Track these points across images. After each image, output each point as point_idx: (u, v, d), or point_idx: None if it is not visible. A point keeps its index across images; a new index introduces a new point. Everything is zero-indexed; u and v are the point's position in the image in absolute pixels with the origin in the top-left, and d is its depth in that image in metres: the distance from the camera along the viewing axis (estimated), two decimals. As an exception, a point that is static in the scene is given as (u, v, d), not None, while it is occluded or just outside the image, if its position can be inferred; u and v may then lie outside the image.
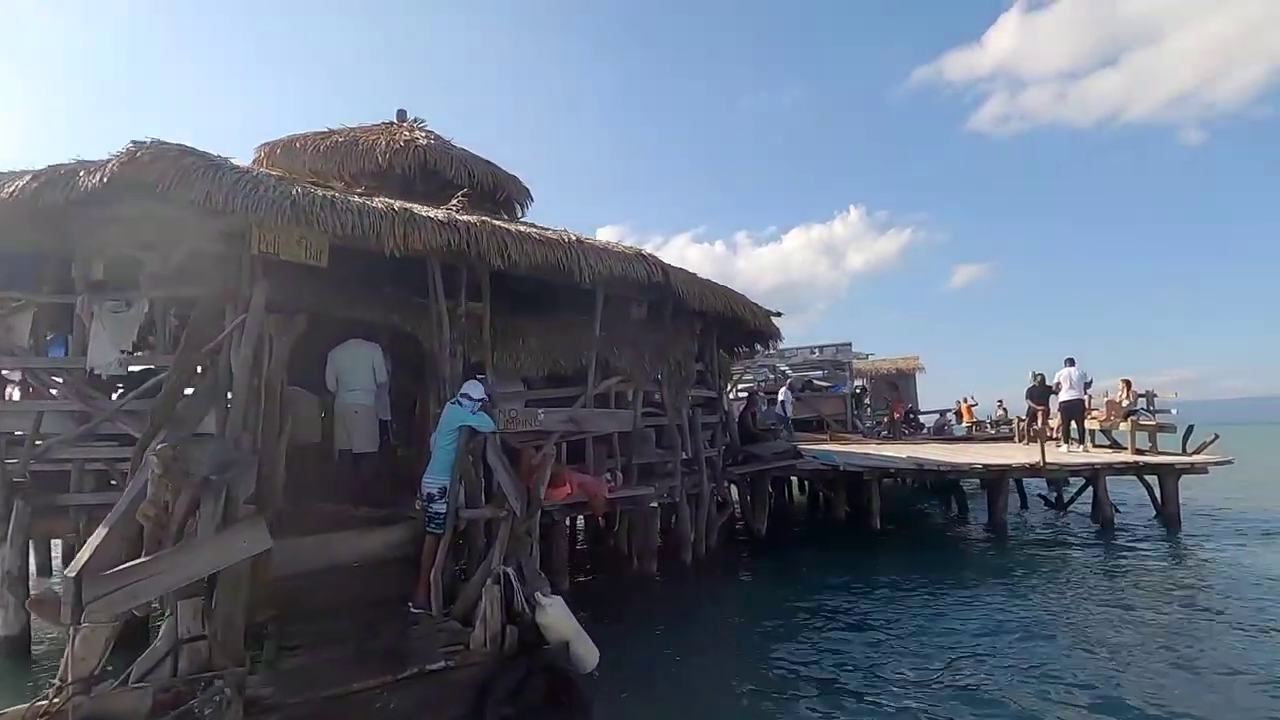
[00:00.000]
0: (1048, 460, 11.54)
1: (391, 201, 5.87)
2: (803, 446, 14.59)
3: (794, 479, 15.20)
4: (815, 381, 16.64)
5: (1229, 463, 12.66)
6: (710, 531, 9.65)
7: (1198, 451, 13.28)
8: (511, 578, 4.83)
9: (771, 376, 19.28)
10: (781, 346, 19.17)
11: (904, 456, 12.47)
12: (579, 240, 6.79)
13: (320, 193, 5.44)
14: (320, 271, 5.88)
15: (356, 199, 5.68)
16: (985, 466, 11.43)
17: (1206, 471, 12.54)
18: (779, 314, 10.25)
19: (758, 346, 12.36)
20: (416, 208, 5.95)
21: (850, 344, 18.31)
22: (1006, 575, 9.15)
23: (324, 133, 9.26)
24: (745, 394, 12.98)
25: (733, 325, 10.78)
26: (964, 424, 23.35)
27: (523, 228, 6.65)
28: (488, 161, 9.75)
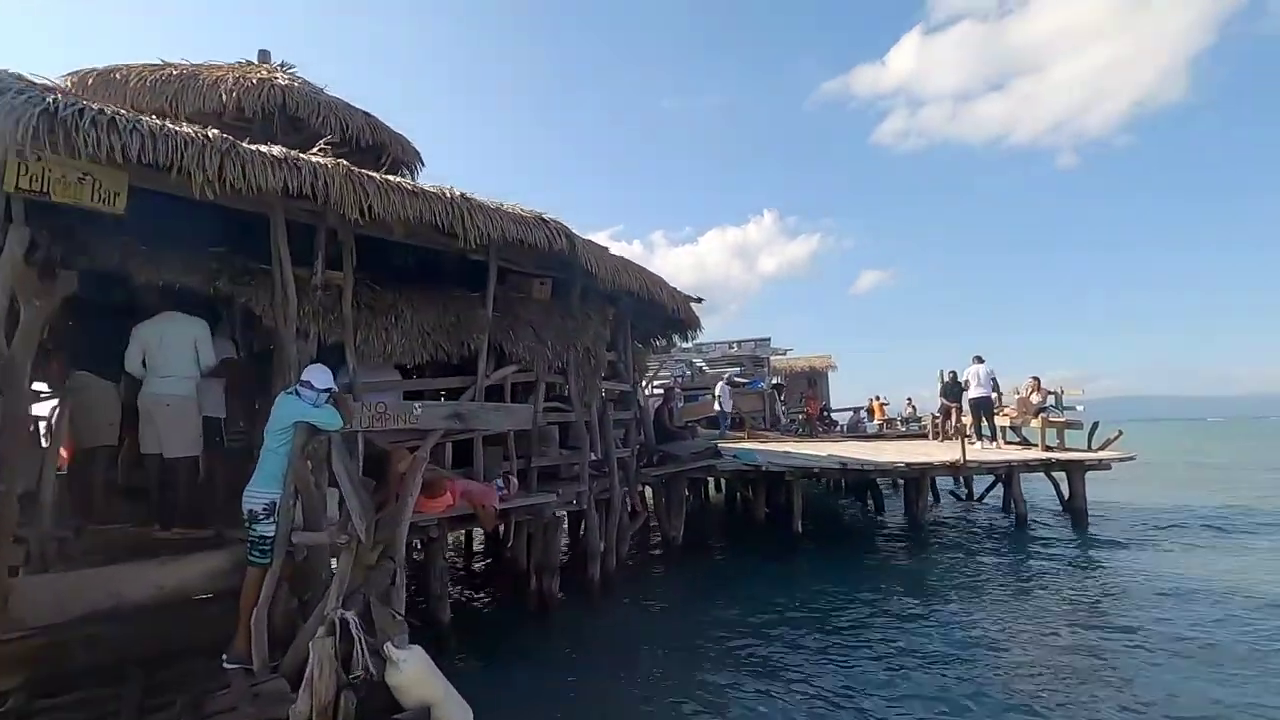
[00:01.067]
0: (967, 458, 11.25)
1: (206, 129, 4.46)
2: (722, 445, 13.86)
3: (710, 479, 14.46)
4: (734, 378, 15.97)
5: (1133, 459, 12.89)
6: (622, 541, 8.63)
7: (1103, 448, 13.51)
8: (351, 626, 3.60)
9: (688, 372, 18.54)
10: (699, 341, 18.54)
11: (825, 455, 11.91)
12: (464, 196, 5.57)
13: (95, 106, 3.99)
14: (124, 224, 4.44)
15: (154, 119, 4.25)
16: (908, 465, 11.01)
17: (1109, 468, 12.71)
18: (699, 300, 9.36)
19: (676, 338, 11.45)
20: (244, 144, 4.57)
21: (769, 339, 17.86)
22: (930, 587, 8.64)
23: (156, 65, 7.56)
24: (661, 389, 12.07)
25: (649, 312, 9.78)
26: (876, 421, 23.56)
27: (395, 179, 5.37)
28: (369, 114, 8.31)
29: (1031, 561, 10.01)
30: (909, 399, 24.64)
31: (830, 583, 8.83)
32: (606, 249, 7.35)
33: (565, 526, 9.26)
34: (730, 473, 10.63)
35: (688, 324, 10.05)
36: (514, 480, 6.51)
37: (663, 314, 9.61)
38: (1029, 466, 12.21)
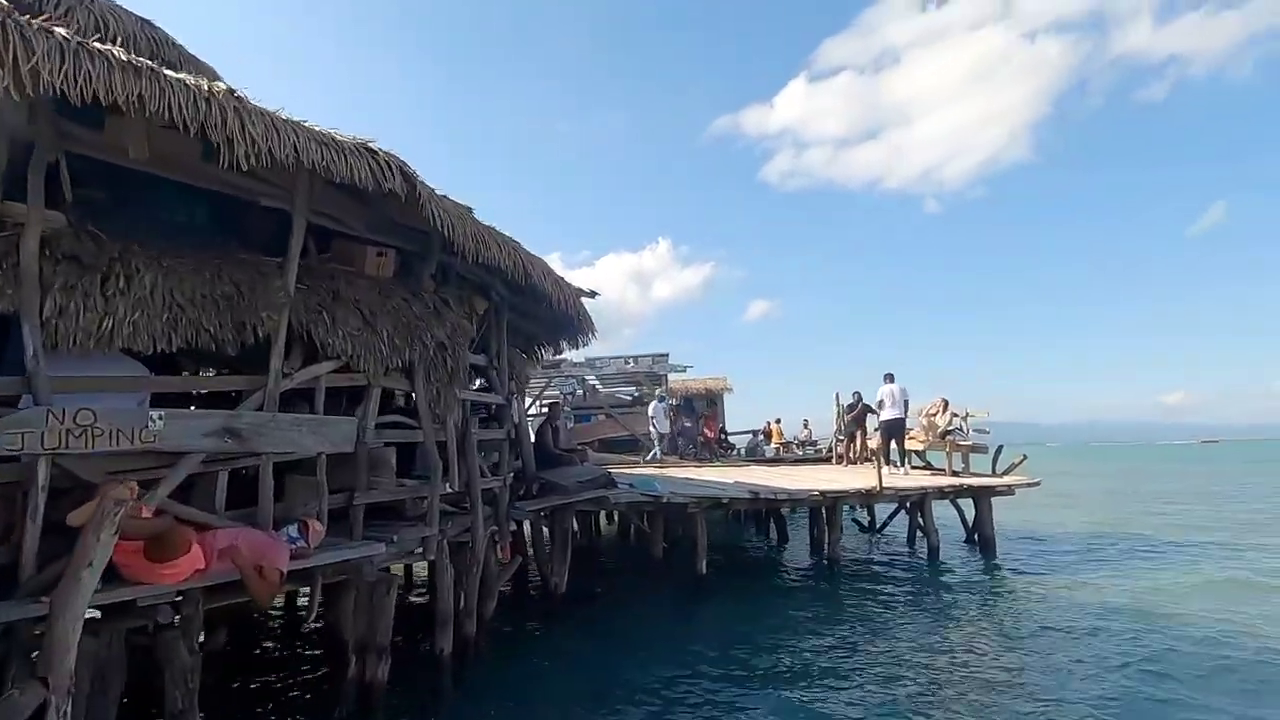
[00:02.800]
0: (884, 485, 10.23)
1: None
2: (615, 471, 12.19)
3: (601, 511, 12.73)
4: (618, 395, 14.42)
5: (1038, 484, 12.47)
6: (487, 598, 6.71)
7: (1007, 473, 13.06)
8: None
9: (579, 389, 16.80)
10: (592, 355, 16.89)
11: (732, 483, 10.53)
12: (233, 94, 3.63)
13: None
14: None
15: None
16: (822, 493, 9.80)
17: (1013, 493, 12.21)
18: (593, 294, 7.69)
19: (565, 346, 9.72)
20: None
21: (667, 355, 16.50)
22: (852, 629, 7.37)
23: None
24: (547, 406, 10.21)
25: (532, 310, 8.04)
26: (773, 444, 22.80)
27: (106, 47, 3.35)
28: (148, 21, 6.08)
29: (953, 595, 9.04)
30: (805, 421, 24.14)
31: (745, 629, 7.41)
32: (470, 211, 5.54)
33: (411, 580, 7.16)
34: (626, 505, 8.98)
35: (580, 327, 8.36)
36: (317, 525, 4.49)
37: (549, 313, 7.87)
38: (943, 493, 11.42)
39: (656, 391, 16.11)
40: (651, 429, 15.25)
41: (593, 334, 8.63)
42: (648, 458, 15.11)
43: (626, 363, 16.22)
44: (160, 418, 3.84)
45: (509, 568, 7.25)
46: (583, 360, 16.51)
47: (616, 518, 14.05)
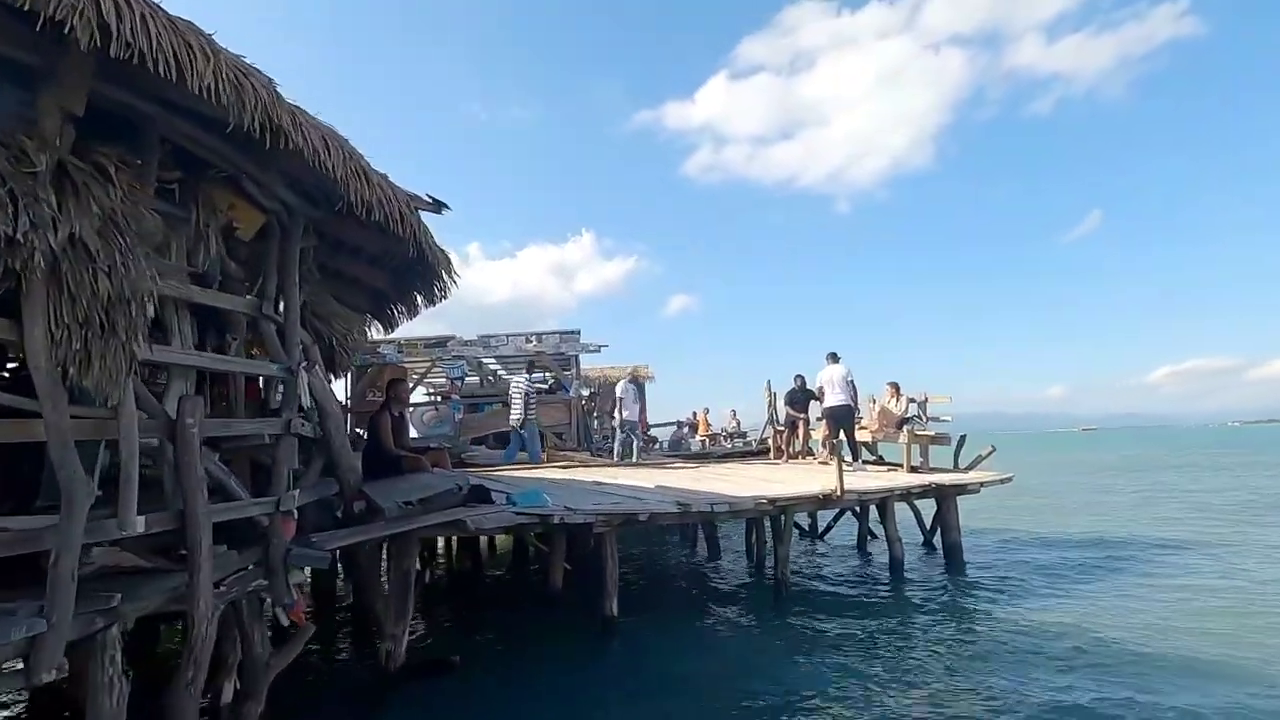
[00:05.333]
0: (845, 487, 7.99)
1: None
2: (503, 474, 9.45)
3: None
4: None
5: (1010, 480, 10.65)
6: (248, 699, 3.94)
7: (972, 467, 11.23)
8: None
9: (468, 373, 13.88)
10: (486, 333, 14.01)
11: (652, 488, 8.03)
12: None
13: None
14: None
15: None
16: (771, 501, 7.46)
17: (978, 491, 10.35)
18: (439, 204, 4.92)
19: (420, 304, 6.93)
20: None
21: (578, 332, 13.81)
22: (813, 702, 5.03)
23: None
24: (388, 383, 7.25)
25: (357, 236, 5.26)
26: (700, 436, 20.64)
27: None
28: None
29: (930, 624, 6.92)
30: (733, 411, 22.13)
31: (674, 699, 4.95)
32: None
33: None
34: (496, 529, 6.22)
35: (429, 266, 5.58)
36: None
37: (384, 246, 5.12)
38: (910, 494, 9.36)
39: (627, 370, 13.14)
40: (617, 415, 12.46)
41: (451, 278, 5.89)
42: (621, 453, 12.43)
43: (527, 341, 13.45)
44: None
45: (293, 643, 4.44)
46: (475, 339, 13.63)
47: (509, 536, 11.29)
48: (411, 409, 13.38)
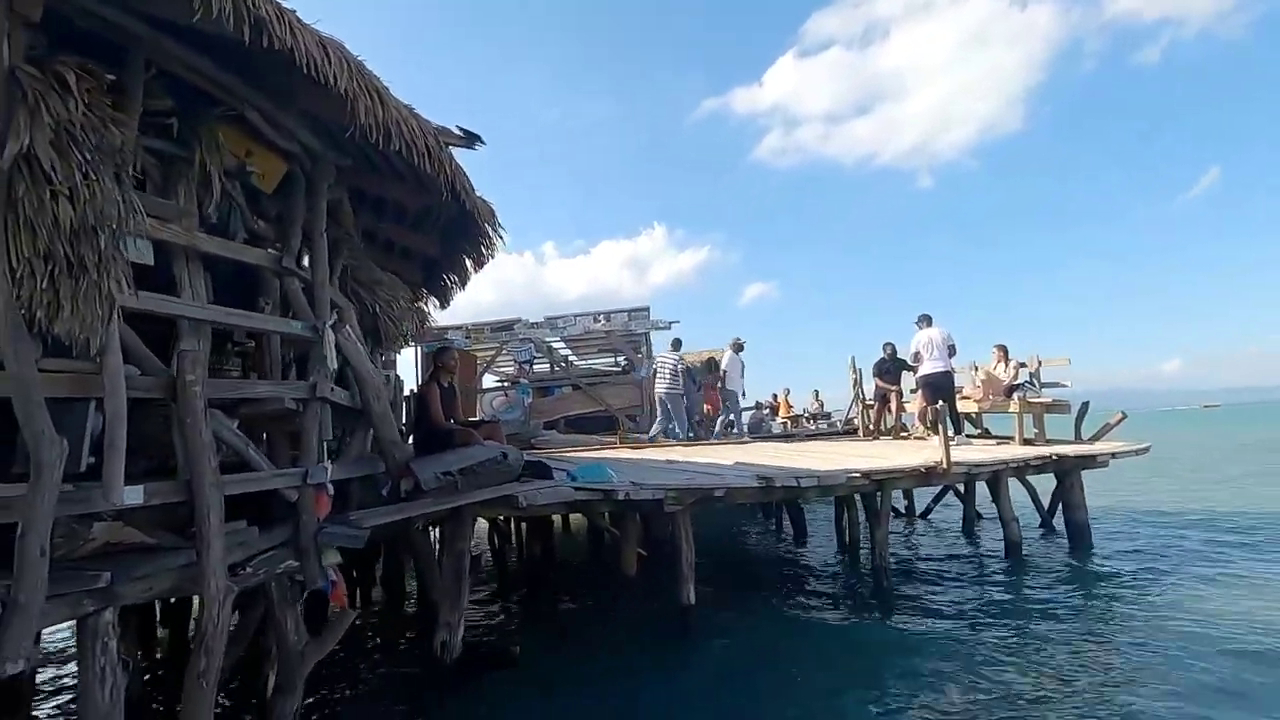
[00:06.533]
0: (951, 459, 7.00)
1: None
2: (571, 455, 8.95)
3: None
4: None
5: (1146, 450, 9.27)
6: (285, 691, 3.55)
7: (1098, 437, 9.87)
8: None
9: (536, 354, 13.50)
10: (552, 315, 13.59)
11: (731, 465, 7.30)
12: None
13: None
14: None
15: None
16: (865, 474, 6.58)
17: (1107, 464, 9.02)
18: (476, 137, 4.36)
19: (468, 265, 6.46)
20: None
21: (648, 309, 13.19)
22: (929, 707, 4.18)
23: None
24: (437, 351, 6.78)
25: (395, 191, 4.81)
26: (781, 419, 19.68)
27: None
28: None
29: (1059, 619, 5.85)
30: (816, 392, 21.00)
31: (751, 702, 4.26)
32: None
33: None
34: (551, 507, 5.62)
35: (472, 215, 5.05)
36: None
37: (415, 190, 4.63)
38: (1027, 467, 8.21)
39: (731, 341, 12.24)
40: (728, 387, 11.91)
41: (496, 232, 5.36)
42: (720, 431, 11.82)
43: (595, 320, 12.94)
44: None
45: (331, 631, 4.02)
46: (541, 321, 13.25)
47: (584, 520, 10.80)
48: (481, 394, 13.23)
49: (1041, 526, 10.14)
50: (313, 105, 3.80)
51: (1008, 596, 6.86)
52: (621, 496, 5.22)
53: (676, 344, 11.60)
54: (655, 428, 11.27)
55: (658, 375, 11.25)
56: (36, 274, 2.49)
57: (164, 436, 3.35)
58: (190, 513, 3.15)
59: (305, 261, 4.31)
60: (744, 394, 12.61)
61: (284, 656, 3.78)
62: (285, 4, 2.89)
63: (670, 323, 13.11)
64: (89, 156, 2.55)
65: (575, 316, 13.13)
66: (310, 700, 4.01)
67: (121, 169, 2.72)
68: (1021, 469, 8.21)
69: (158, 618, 6.13)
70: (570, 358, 16.11)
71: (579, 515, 9.99)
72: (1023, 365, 10.24)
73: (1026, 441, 9.57)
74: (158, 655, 5.91)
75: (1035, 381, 10.10)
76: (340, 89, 3.18)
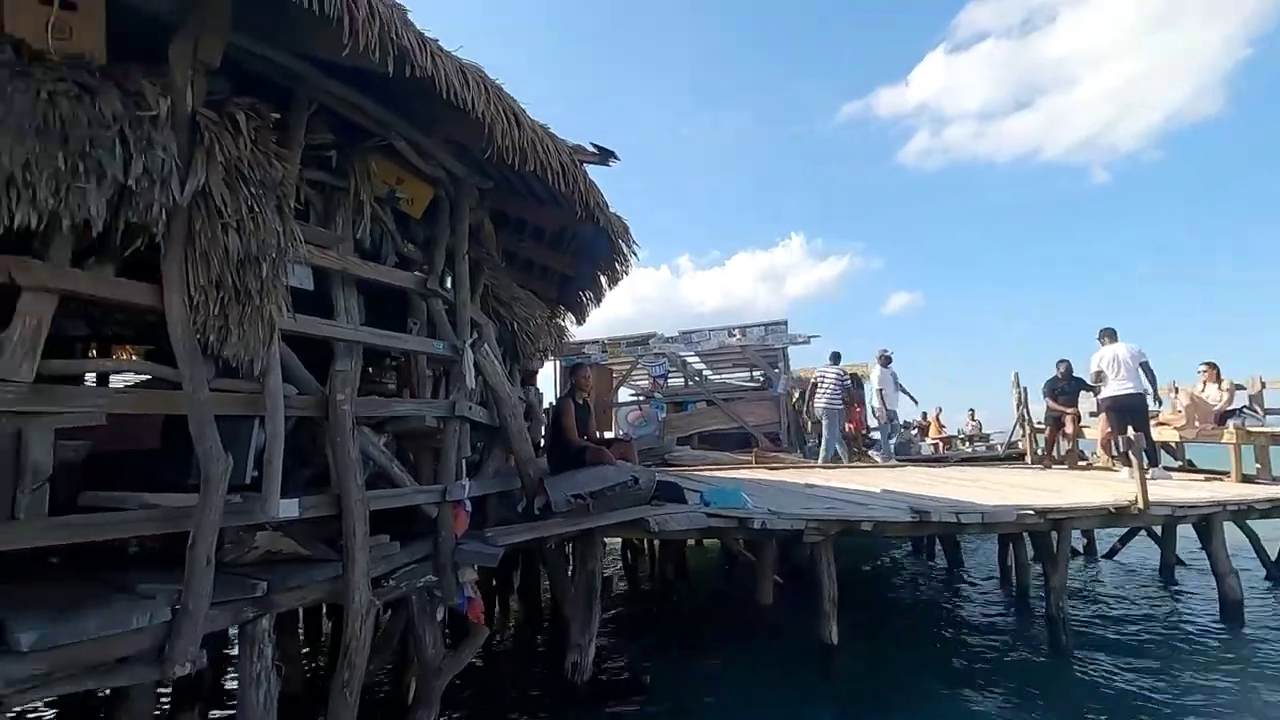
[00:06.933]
0: (1148, 498, 5.98)
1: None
2: (704, 473, 8.73)
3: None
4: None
5: None
6: (422, 705, 3.63)
7: (1347, 476, 8.10)
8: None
9: (670, 368, 13.42)
10: (687, 329, 13.47)
11: (879, 492, 6.74)
12: None
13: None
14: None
15: None
16: (1040, 513, 5.77)
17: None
18: (610, 154, 4.31)
19: (603, 282, 6.46)
20: None
21: (785, 323, 12.72)
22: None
23: None
24: (572, 368, 6.84)
25: (528, 208, 4.90)
26: (931, 440, 18.24)
27: None
28: None
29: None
30: (971, 411, 19.27)
31: None
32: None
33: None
34: (683, 532, 5.42)
35: (606, 232, 5.02)
36: None
37: (552, 209, 4.68)
38: (1250, 509, 6.88)
39: (878, 354, 11.27)
40: (877, 404, 11.14)
41: (630, 248, 5.29)
42: (888, 452, 11.30)
43: (731, 334, 12.66)
44: None
45: (466, 646, 4.07)
46: (676, 335, 13.17)
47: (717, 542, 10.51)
48: (616, 407, 13.37)
49: (1269, 580, 8.49)
50: (454, 131, 3.92)
51: (1230, 673, 5.70)
52: (758, 525, 4.91)
53: (836, 357, 10.97)
54: (825, 450, 10.73)
55: (818, 390, 10.73)
56: (209, 301, 2.69)
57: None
58: (340, 526, 3.30)
59: (449, 282, 4.46)
60: (897, 413, 11.74)
61: (422, 669, 3.87)
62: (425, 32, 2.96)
63: (809, 337, 12.54)
64: (254, 190, 2.73)
65: (710, 331, 12.93)
66: (446, 716, 4.07)
67: (283, 201, 2.90)
68: (1244, 511, 6.88)
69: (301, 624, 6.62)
70: (705, 372, 15.90)
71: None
72: (1240, 387, 8.67)
73: (1246, 478, 8.07)
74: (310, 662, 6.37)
75: (1257, 408, 8.50)
76: (478, 113, 3.22)
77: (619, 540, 9.38)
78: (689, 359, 13.88)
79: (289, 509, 3.01)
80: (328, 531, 3.45)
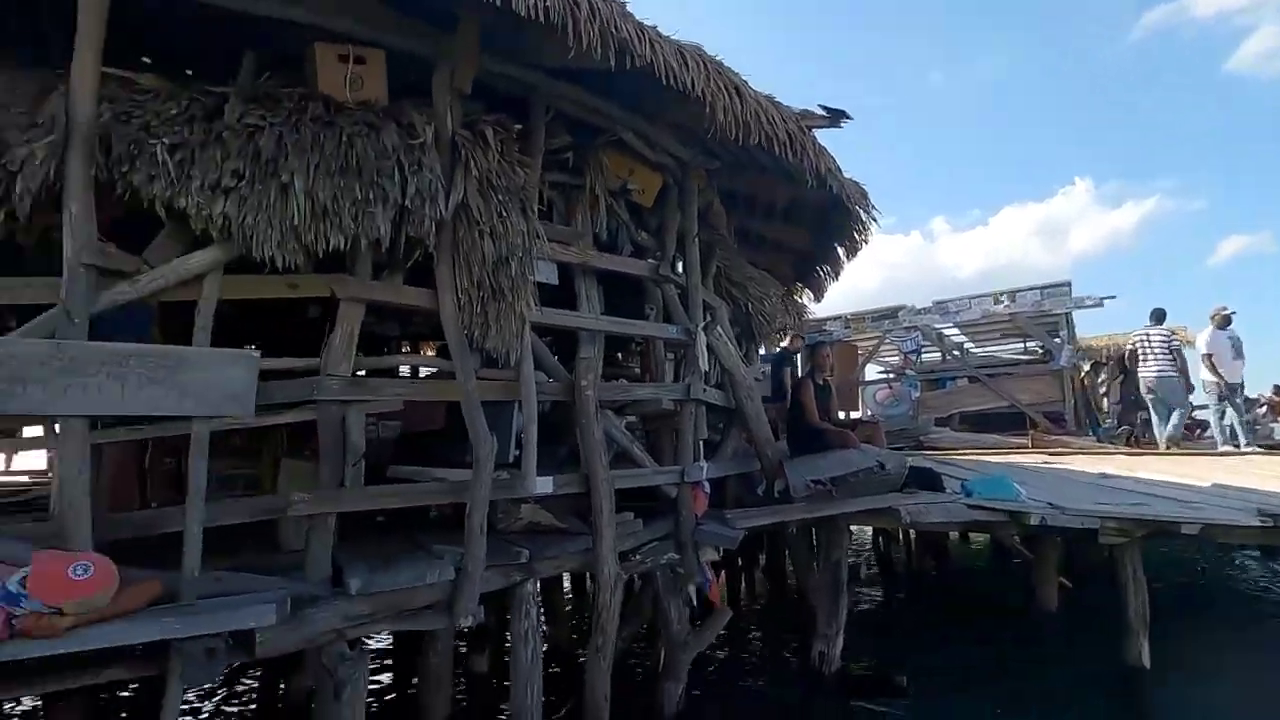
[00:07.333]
0: None
1: None
2: (970, 459, 7.82)
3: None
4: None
5: None
6: (669, 677, 3.80)
7: None
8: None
9: (924, 342, 12.21)
10: (942, 299, 12.13)
11: (1208, 486, 5.42)
12: None
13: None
14: None
15: None
16: None
17: None
18: (842, 114, 3.98)
19: (842, 257, 6.06)
20: None
21: (1068, 284, 10.77)
22: None
23: None
24: (810, 346, 6.43)
25: (752, 176, 4.81)
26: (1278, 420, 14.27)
27: None
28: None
29: None
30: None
31: None
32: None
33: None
34: (941, 525, 4.81)
35: (842, 201, 4.69)
36: (107, 566, 2.18)
37: (783, 183, 4.54)
38: None
39: (1214, 312, 8.90)
40: (1208, 376, 8.62)
41: (869, 214, 4.88)
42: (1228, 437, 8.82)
43: (997, 301, 11.10)
44: None
45: (710, 625, 4.14)
46: (930, 305, 11.94)
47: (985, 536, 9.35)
48: (863, 386, 12.61)
49: None
50: (676, 114, 3.93)
51: None
52: (1035, 521, 4.24)
53: (1159, 315, 8.65)
54: (1164, 429, 8.78)
55: (1142, 358, 8.71)
56: (472, 300, 3.04)
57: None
58: (589, 502, 3.55)
59: (680, 267, 4.53)
60: (1243, 385, 8.98)
61: (669, 643, 4.03)
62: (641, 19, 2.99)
63: (1102, 299, 10.51)
64: (501, 198, 3.02)
65: (971, 299, 11.49)
66: (696, 692, 4.20)
67: (526, 204, 3.17)
68: None
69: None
70: (966, 345, 14.25)
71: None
72: None
73: None
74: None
75: None
76: (698, 92, 3.18)
77: (869, 528, 8.86)
78: (946, 331, 12.53)
79: (544, 485, 3.31)
80: (579, 506, 3.74)
